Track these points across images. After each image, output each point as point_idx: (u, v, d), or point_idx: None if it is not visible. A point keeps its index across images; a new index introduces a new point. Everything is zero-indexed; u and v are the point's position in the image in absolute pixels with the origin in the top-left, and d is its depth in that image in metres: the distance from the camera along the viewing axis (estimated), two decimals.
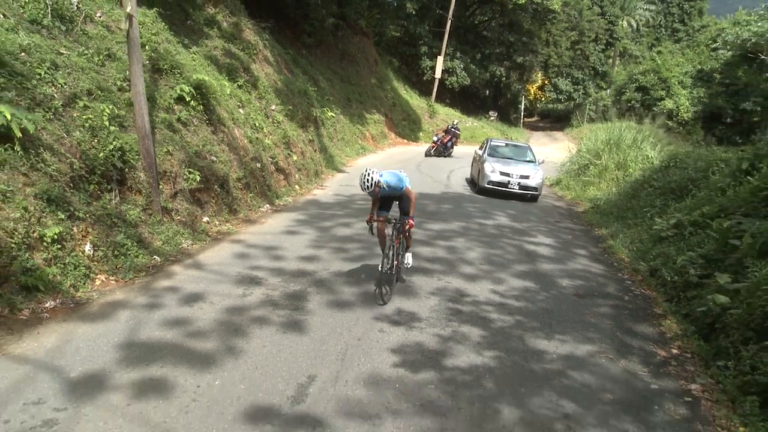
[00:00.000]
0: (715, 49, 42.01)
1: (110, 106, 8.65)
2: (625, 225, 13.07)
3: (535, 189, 17.43)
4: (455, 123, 29.27)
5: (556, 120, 56.85)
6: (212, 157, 11.09)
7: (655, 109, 39.72)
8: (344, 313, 6.85)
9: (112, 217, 7.94)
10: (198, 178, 10.19)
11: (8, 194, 6.44)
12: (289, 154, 15.69)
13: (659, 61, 43.41)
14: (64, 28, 9.45)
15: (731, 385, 5.68)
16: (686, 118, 40.24)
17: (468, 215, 14.12)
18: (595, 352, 6.50)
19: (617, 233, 12.65)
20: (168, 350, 5.54)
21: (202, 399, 4.74)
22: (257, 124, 14.38)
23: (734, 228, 8.22)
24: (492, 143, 20.53)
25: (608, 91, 49.22)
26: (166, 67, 11.11)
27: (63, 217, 7.01)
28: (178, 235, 9.18)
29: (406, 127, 33.59)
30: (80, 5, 10.16)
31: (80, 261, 7.08)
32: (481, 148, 20.35)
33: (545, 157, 19.98)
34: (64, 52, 9.01)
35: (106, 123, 8.39)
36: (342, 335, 6.21)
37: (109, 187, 8.25)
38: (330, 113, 22.43)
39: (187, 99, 10.99)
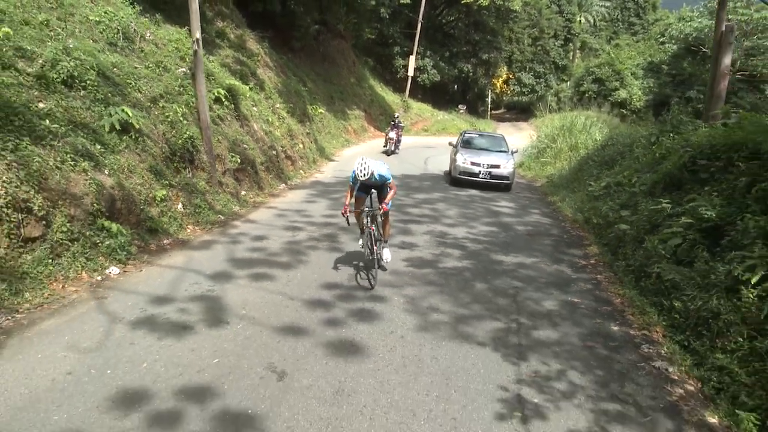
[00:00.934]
0: (663, 43, 45.83)
1: (181, 106, 11.63)
2: (571, 192, 16.28)
3: (506, 178, 17.67)
4: (397, 116, 28.13)
5: (521, 111, 60.32)
6: (244, 146, 14.07)
7: (610, 98, 43.24)
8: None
9: (190, 186, 10.93)
10: (238, 161, 13.21)
11: (133, 168, 9.39)
12: (294, 144, 18.67)
13: (613, 55, 47.06)
14: (132, 47, 12.38)
15: (621, 272, 8.86)
16: (638, 106, 43.81)
17: (445, 188, 17.28)
18: (537, 262, 9.66)
19: (565, 198, 15.86)
20: (260, 262, 8.55)
21: (294, 281, 7.78)
22: (269, 120, 17.37)
23: (638, 182, 11.46)
24: (466, 135, 21.08)
25: (568, 83, 52.78)
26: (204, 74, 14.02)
27: (165, 184, 9.99)
28: (230, 202, 12.17)
29: (383, 121, 36.53)
30: (136, 28, 13.06)
31: (176, 215, 10.06)
32: (457, 140, 20.75)
33: (516, 146, 21.72)
34: (138, 66, 11.93)
35: (180, 118, 11.38)
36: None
37: (184, 165, 11.24)
38: (319, 110, 25.42)
39: (223, 100, 13.94)
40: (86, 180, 8.09)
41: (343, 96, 32.38)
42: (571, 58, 62.09)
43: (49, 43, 9.64)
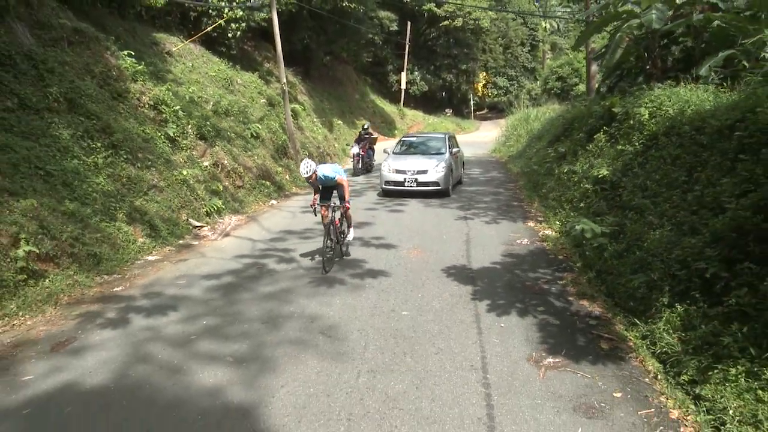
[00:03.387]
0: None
1: (274, 122, 19.81)
2: (520, 160, 24.34)
3: (435, 184, 16.15)
4: (366, 126, 23.36)
5: (501, 111, 68.55)
6: (307, 145, 22.24)
7: (572, 93, 51.24)
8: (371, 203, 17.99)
9: (288, 167, 19.08)
10: (307, 154, 21.35)
11: (264, 156, 17.54)
12: (329, 145, 26.85)
13: (571, 55, 55.15)
14: (234, 89, 20.52)
15: (529, 187, 16.93)
16: None
17: None
18: (487, 189, 17.79)
19: (515, 163, 23.93)
20: None
21: (371, 196, 15.89)
22: (313, 129, 25.53)
23: (545, 143, 19.58)
24: (403, 139, 19.89)
25: (538, 82, 60.96)
26: (275, 102, 22.20)
27: (278, 164, 18.15)
28: None
29: (385, 128, 44.61)
30: (232, 77, 21.21)
31: (286, 181, 18.15)
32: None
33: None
34: (243, 100, 20.08)
35: (278, 129, 19.54)
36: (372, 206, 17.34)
37: (282, 155, 19.40)
38: (337, 122, 33.57)
39: (292, 118, 22.08)
40: (252, 160, 16.28)
41: (351, 110, 40.48)
42: (541, 59, 70.32)
43: (205, 92, 17.75)
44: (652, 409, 4.89)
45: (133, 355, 6.17)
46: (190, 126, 14.69)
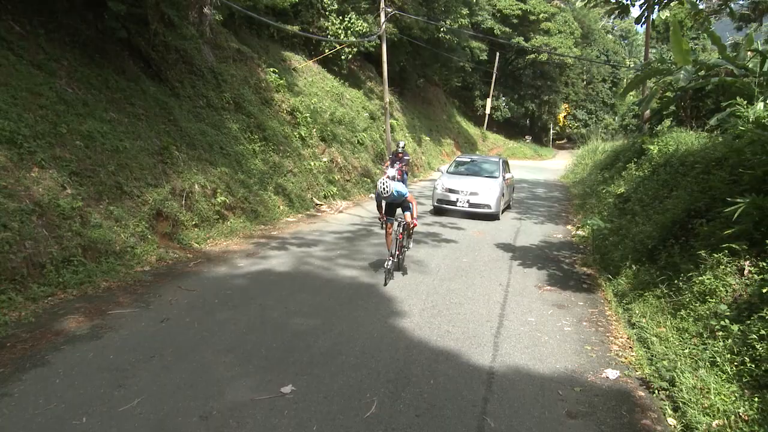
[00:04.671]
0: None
1: (374, 133, 24.18)
2: (581, 185, 27.88)
3: (487, 206, 16.46)
4: (401, 145, 19.07)
5: (577, 141, 71.58)
6: None
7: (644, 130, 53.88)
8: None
9: (383, 171, 23.34)
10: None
11: (366, 159, 21.90)
12: (417, 157, 31.05)
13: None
14: (343, 102, 24.98)
15: (579, 203, 20.62)
16: None
17: None
18: (545, 202, 21.55)
19: (576, 187, 27.50)
20: (430, 188, 20.79)
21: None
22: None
23: (598, 168, 23.21)
24: (457, 159, 20.27)
25: (616, 118, 63.63)
26: (375, 116, 26.60)
27: (378, 168, 22.47)
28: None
29: (467, 147, 48.52)
30: (342, 92, 25.68)
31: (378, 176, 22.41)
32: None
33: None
34: (351, 113, 24.52)
35: (378, 138, 23.93)
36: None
37: (379, 161, 23.73)
38: (425, 138, 37.80)
39: (390, 131, 26.42)
40: (357, 161, 20.66)
41: (438, 128, 44.63)
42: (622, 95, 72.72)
43: (322, 104, 22.22)
44: (597, 310, 8.78)
45: (298, 261, 10.49)
46: (314, 129, 19.20)
